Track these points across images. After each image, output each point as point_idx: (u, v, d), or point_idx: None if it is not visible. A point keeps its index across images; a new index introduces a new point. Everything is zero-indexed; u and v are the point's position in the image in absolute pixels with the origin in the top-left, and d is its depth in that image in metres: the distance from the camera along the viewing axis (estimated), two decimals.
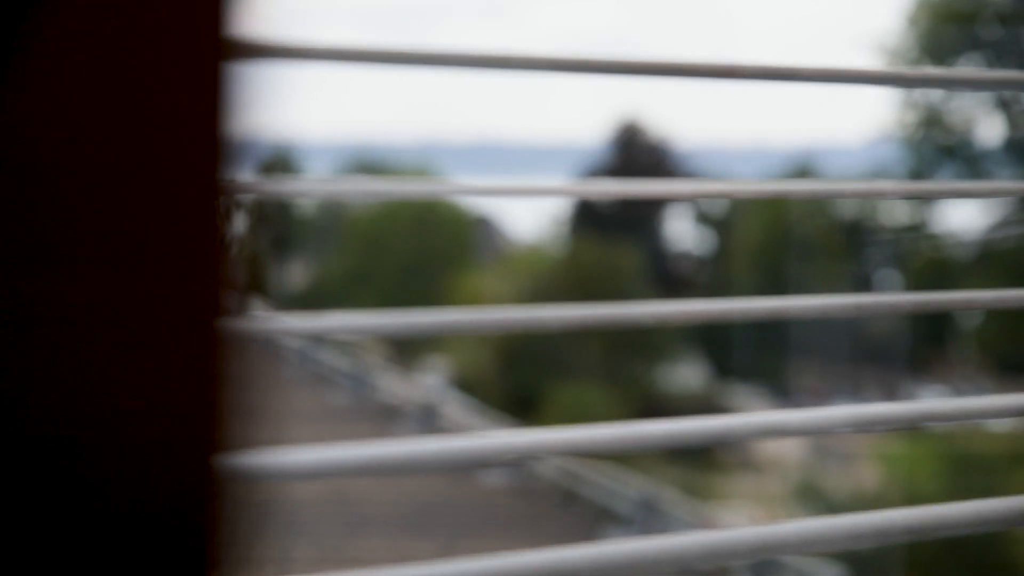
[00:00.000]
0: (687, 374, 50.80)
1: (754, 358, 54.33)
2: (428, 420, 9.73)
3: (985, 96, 29.61)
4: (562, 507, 7.21)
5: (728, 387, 55.88)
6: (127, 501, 0.70)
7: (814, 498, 29.83)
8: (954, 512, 1.22)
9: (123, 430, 0.70)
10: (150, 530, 0.71)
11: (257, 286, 0.75)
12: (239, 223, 0.70)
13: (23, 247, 0.70)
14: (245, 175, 0.71)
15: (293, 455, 0.99)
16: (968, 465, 24.58)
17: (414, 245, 51.02)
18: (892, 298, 1.25)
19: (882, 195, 1.36)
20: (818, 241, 56.20)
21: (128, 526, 0.70)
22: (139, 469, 0.70)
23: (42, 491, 0.70)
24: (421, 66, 1.04)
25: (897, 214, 34.30)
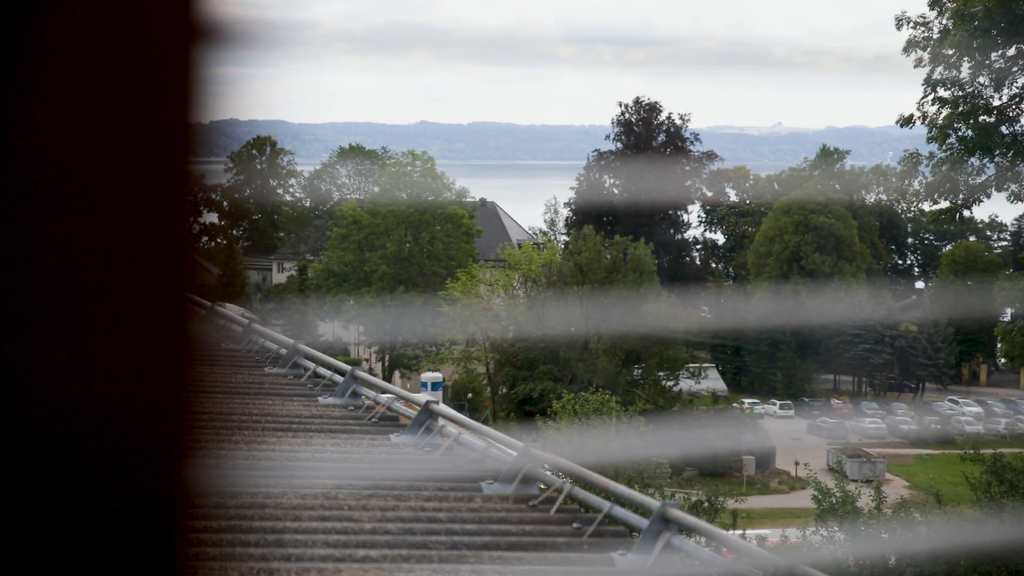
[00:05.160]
0: (703, 383, 50.85)
1: (774, 368, 54.21)
2: (426, 428, 9.68)
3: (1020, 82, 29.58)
4: (571, 521, 7.21)
5: (746, 397, 55.87)
6: (98, 505, 0.70)
7: (841, 515, 29.88)
8: (988, 532, 1.22)
9: (93, 434, 0.70)
10: (121, 533, 0.71)
11: (236, 285, 0.74)
12: (215, 217, 0.70)
13: None
14: (222, 165, 0.70)
15: (276, 462, 0.98)
16: (1004, 480, 24.56)
17: (411, 239, 50.89)
18: (926, 298, 1.24)
19: (914, 185, 1.35)
20: (844, 234, 56.11)
21: (100, 529, 0.71)
22: (107, 475, 0.70)
23: (17, 493, 0.70)
24: (420, 47, 1.04)
25: (929, 205, 33.96)
